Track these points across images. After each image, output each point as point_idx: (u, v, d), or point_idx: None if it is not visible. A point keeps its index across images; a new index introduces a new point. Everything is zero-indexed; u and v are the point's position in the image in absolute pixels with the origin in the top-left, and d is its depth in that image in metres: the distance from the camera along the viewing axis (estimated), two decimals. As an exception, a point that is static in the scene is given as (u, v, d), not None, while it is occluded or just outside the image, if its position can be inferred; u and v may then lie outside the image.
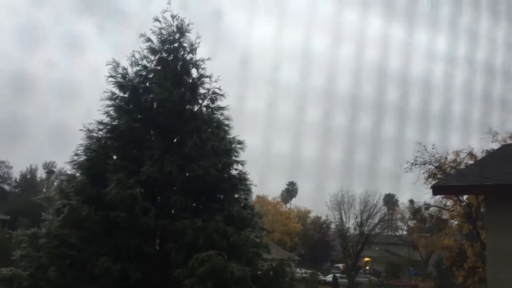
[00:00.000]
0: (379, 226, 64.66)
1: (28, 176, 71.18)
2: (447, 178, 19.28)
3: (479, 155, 29.51)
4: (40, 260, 11.16)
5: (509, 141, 28.56)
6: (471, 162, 29.11)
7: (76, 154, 12.07)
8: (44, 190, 60.22)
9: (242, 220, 11.88)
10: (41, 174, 70.79)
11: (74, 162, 12.05)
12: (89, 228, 10.91)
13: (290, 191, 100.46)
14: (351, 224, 62.96)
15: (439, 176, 30.93)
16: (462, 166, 29.62)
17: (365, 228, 61.30)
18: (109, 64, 12.51)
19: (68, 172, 12.82)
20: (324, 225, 73.59)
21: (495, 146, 27.25)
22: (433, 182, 29.34)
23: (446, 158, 32.12)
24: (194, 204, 12.21)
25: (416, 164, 31.92)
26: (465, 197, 31.54)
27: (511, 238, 8.80)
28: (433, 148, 31.86)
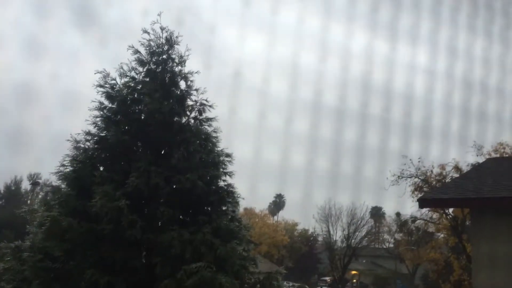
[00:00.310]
0: (366, 238, 64.76)
1: (13, 188, 70.18)
2: (433, 191, 19.44)
3: (465, 168, 29.85)
4: (24, 273, 10.98)
5: (494, 155, 28.95)
6: (456, 175, 29.40)
7: (62, 165, 11.95)
8: (28, 202, 59.38)
9: (230, 233, 11.82)
10: (25, 185, 69.86)
11: (59, 173, 11.92)
12: (73, 240, 10.76)
13: (278, 204, 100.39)
14: (338, 236, 63.03)
15: (425, 189, 31.16)
16: (448, 179, 29.89)
17: (352, 240, 61.36)
18: (98, 73, 12.46)
19: (54, 183, 12.67)
20: (312, 237, 73.52)
21: (480, 159, 27.59)
22: (419, 195, 29.54)
23: (432, 171, 32.41)
24: (181, 216, 12.13)
25: (402, 177, 32.15)
26: (451, 210, 31.81)
27: (496, 251, 8.88)
28: (419, 161, 32.14)
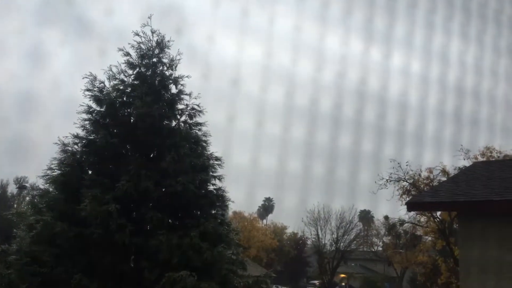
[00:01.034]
0: (355, 242, 64.94)
1: (-1, 191, 69.26)
2: (421, 195, 19.58)
3: (452, 172, 30.11)
4: (10, 277, 10.84)
5: (480, 159, 29.25)
6: (444, 179, 29.65)
7: (50, 168, 11.85)
8: (15, 205, 58.69)
9: (218, 236, 11.80)
10: (12, 189, 69.01)
11: (47, 177, 11.82)
12: (62, 245, 10.67)
13: (267, 207, 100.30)
14: (327, 240, 63.13)
15: (413, 192, 31.37)
16: (436, 183, 30.12)
17: (341, 244, 61.50)
18: (86, 77, 12.39)
19: (41, 186, 12.55)
20: (300, 241, 73.57)
21: (467, 163, 27.85)
22: (408, 199, 29.73)
23: (420, 175, 32.64)
24: (170, 220, 12.08)
25: (390, 181, 32.33)
26: (438, 213, 32.05)
27: (483, 253, 8.96)
28: (407, 165, 32.35)
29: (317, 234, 63.05)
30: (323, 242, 63.37)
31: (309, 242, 70.40)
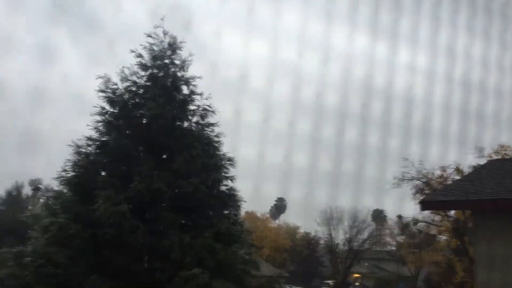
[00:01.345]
0: (368, 241, 64.59)
1: (14, 193, 70.09)
2: (435, 194, 19.43)
3: (466, 170, 29.82)
4: (26, 278, 10.97)
5: (495, 157, 28.92)
6: (458, 177, 29.38)
7: (64, 170, 11.97)
8: (30, 207, 59.34)
9: (231, 237, 11.83)
10: (27, 191, 69.79)
11: (61, 178, 11.94)
12: (76, 246, 10.77)
13: (279, 207, 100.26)
14: (340, 239, 62.88)
15: (426, 191, 31.14)
16: (449, 182, 29.86)
17: (354, 243, 61.21)
18: (100, 78, 12.47)
19: (55, 188, 12.68)
20: (313, 241, 73.38)
21: (482, 161, 27.56)
22: (421, 198, 29.51)
23: (433, 173, 32.39)
24: (182, 221, 12.14)
25: (404, 180, 32.14)
26: (452, 212, 31.76)
27: (498, 252, 8.87)
28: (420, 164, 32.13)
29: (330, 234, 62.84)
30: (336, 242, 63.15)
31: (321, 242, 70.17)
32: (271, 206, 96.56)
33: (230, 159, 12.70)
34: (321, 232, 64.67)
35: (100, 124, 12.39)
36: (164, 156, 12.68)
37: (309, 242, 73.51)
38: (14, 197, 70.12)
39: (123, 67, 12.64)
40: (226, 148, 12.88)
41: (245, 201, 12.88)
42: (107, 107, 12.49)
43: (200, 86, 12.93)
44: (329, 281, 65.72)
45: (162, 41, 12.84)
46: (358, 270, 68.55)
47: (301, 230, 75.92)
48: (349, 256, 60.30)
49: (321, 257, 71.78)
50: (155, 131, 12.13)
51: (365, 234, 62.64)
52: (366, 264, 73.83)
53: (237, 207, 12.72)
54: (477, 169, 15.95)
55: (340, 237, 62.41)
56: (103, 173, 12.21)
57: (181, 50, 12.95)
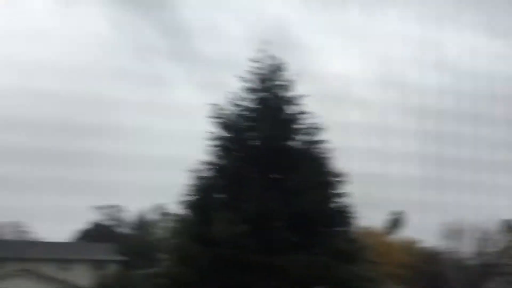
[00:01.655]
0: (501, 255, 59.20)
1: (142, 218, 75.12)
2: None
3: None
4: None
5: None
6: None
7: (186, 194, 12.70)
8: (157, 231, 63.25)
9: (347, 254, 11.64)
10: (153, 215, 74.50)
11: (184, 202, 12.67)
12: (200, 266, 11.30)
13: (397, 221, 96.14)
14: (467, 254, 58.44)
15: None
16: None
17: (484, 257, 56.51)
18: (211, 105, 13.05)
19: (178, 212, 13.45)
20: (437, 256, 69.06)
21: None
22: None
23: None
24: (297, 239, 12.20)
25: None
26: None
27: None
28: None
29: (456, 248, 58.73)
30: (464, 257, 58.81)
31: (446, 257, 65.83)
32: (388, 221, 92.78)
33: (340, 175, 12.58)
34: (446, 247, 60.70)
35: (217, 148, 12.98)
36: (277, 176, 12.91)
37: (432, 257, 69.31)
38: (142, 222, 75.06)
39: (230, 92, 13.18)
40: (340, 165, 12.78)
41: (358, 217, 12.63)
42: (222, 132, 13.04)
43: (306, 102, 13.08)
44: (459, 299, 61.13)
45: (268, 64, 13.23)
46: (488, 287, 62.98)
47: (422, 245, 71.88)
48: (479, 271, 55.74)
49: (447, 272, 67.21)
50: (266, 151, 12.44)
51: (496, 247, 57.62)
52: (498, 279, 67.59)
53: (351, 224, 12.52)
54: None
55: (467, 251, 58.05)
56: (220, 195, 12.74)
57: (286, 71, 13.24)
